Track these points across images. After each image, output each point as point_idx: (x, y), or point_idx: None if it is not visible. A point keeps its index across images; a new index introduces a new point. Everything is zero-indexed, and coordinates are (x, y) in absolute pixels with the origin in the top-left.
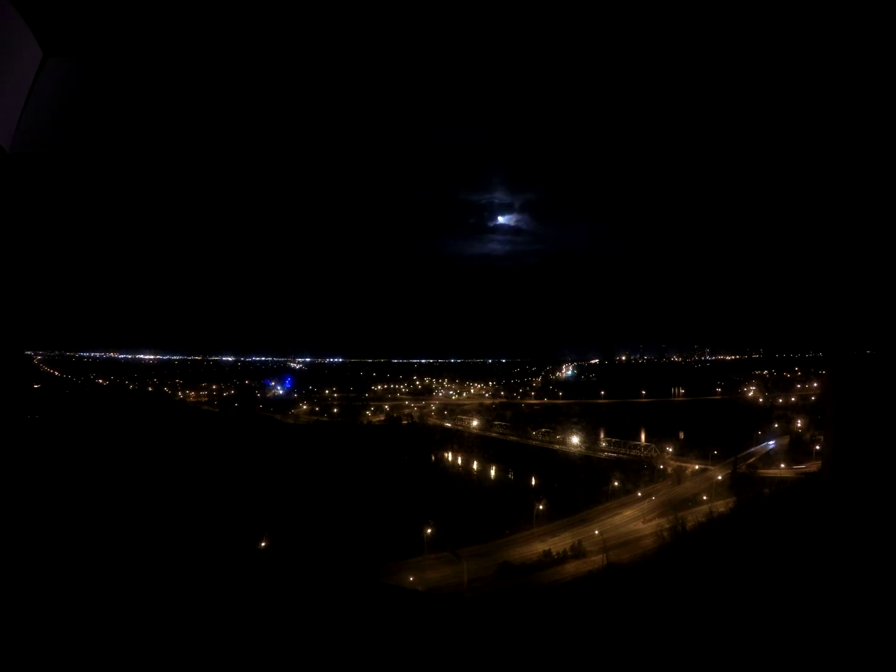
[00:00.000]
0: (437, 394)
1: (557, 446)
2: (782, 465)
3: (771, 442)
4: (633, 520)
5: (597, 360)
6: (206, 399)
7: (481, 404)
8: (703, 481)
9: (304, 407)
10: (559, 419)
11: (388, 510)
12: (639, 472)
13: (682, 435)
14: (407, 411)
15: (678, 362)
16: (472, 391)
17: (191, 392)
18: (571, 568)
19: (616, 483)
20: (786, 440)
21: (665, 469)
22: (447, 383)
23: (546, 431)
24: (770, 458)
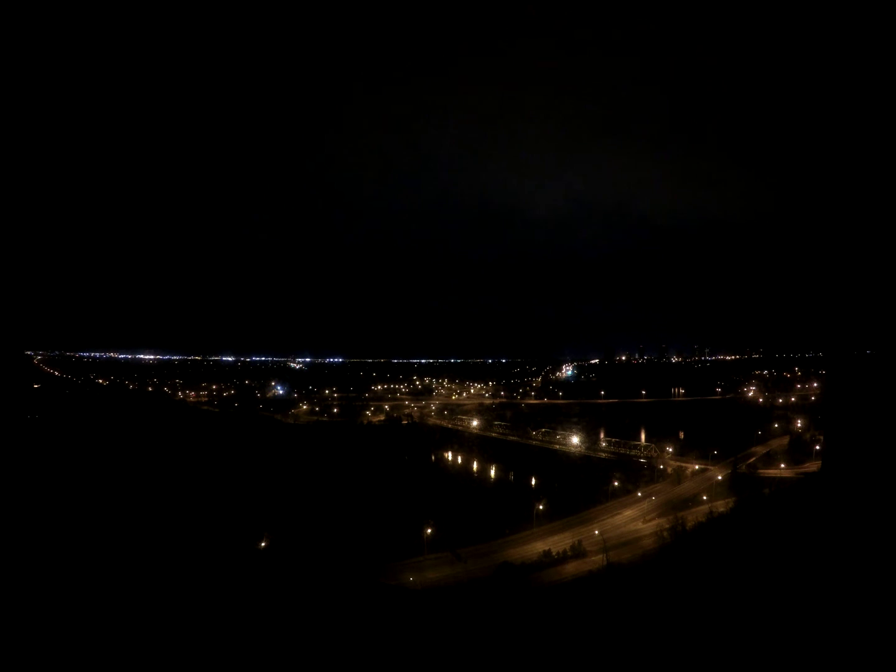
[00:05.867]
0: (437, 394)
1: (557, 446)
2: (782, 465)
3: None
4: (633, 520)
5: (597, 360)
6: (206, 399)
7: (481, 404)
8: (703, 481)
9: (304, 407)
10: (559, 419)
11: (389, 510)
12: (639, 472)
13: (682, 435)
14: (407, 411)
15: (678, 362)
16: (472, 391)
17: (191, 392)
18: (571, 568)
19: (616, 483)
20: (785, 440)
21: (665, 469)
22: (447, 383)
23: (546, 431)
24: (770, 458)
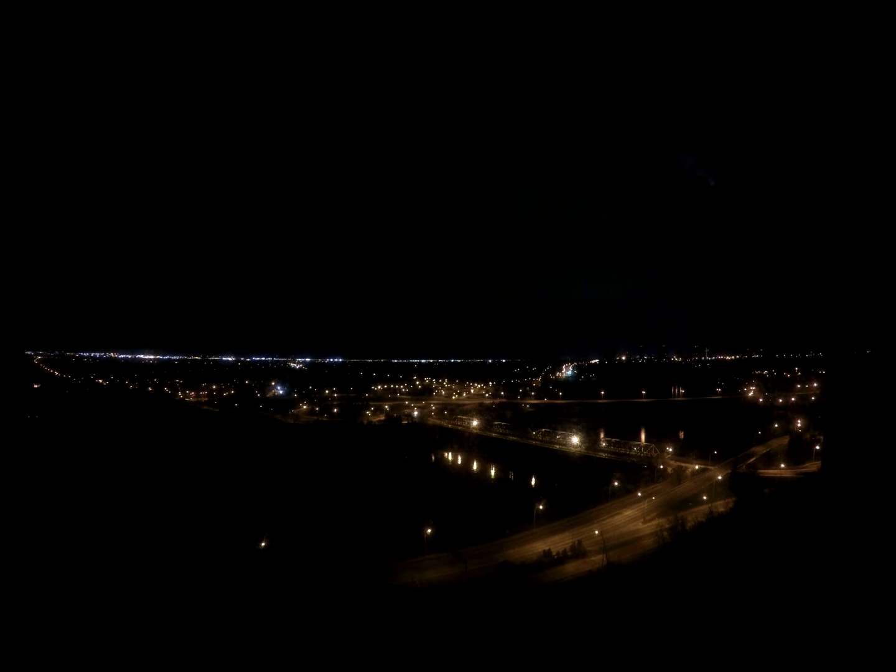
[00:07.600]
0: (437, 394)
1: (557, 446)
2: (782, 465)
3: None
4: (633, 520)
5: (597, 360)
6: (207, 399)
7: (481, 404)
8: (703, 481)
9: (305, 407)
10: (559, 419)
11: (389, 510)
12: (639, 472)
13: (682, 435)
14: (407, 411)
15: (678, 362)
16: (471, 391)
17: (191, 392)
18: (571, 567)
19: (616, 483)
20: (785, 440)
21: (665, 469)
22: (447, 383)
23: (546, 431)
24: (770, 458)
